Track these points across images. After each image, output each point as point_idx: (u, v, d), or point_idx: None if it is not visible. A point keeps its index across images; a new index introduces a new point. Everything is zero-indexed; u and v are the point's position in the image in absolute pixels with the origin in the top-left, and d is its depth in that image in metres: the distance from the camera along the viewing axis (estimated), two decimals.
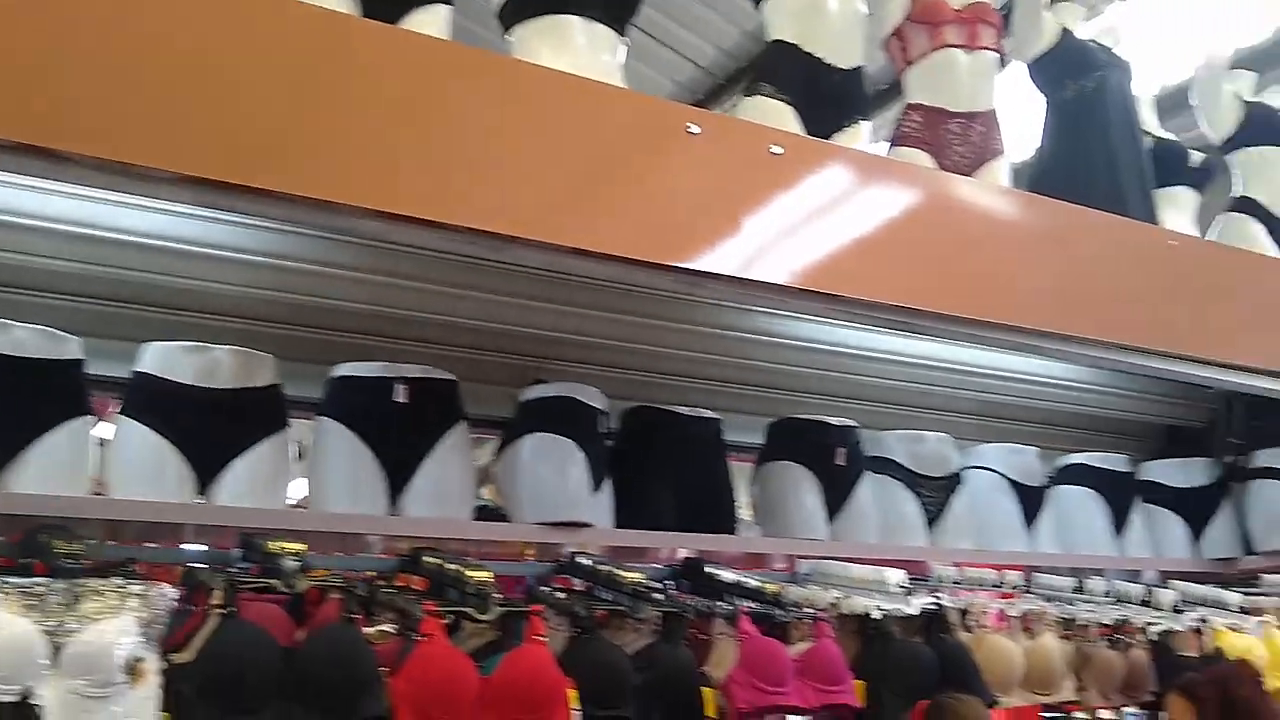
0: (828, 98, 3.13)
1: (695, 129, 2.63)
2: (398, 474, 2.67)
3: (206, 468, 2.49)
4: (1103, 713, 8.43)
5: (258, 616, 2.24)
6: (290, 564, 2.29)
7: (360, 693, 2.16)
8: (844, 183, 2.89)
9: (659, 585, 2.74)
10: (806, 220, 2.77)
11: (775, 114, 2.99)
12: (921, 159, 3.24)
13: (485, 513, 3.32)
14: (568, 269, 2.68)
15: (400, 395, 2.71)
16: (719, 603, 2.78)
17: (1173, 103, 5.38)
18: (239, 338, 2.67)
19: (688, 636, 2.69)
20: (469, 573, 2.42)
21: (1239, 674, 2.69)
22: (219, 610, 2.15)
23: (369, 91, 2.27)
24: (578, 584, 2.87)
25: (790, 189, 2.76)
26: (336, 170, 2.19)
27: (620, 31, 2.86)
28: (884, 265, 2.87)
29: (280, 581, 2.30)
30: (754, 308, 3.10)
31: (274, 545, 2.33)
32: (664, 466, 3.02)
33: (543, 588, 2.67)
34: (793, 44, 3.12)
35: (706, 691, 2.59)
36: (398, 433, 2.68)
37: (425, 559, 2.55)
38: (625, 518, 2.90)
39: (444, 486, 2.69)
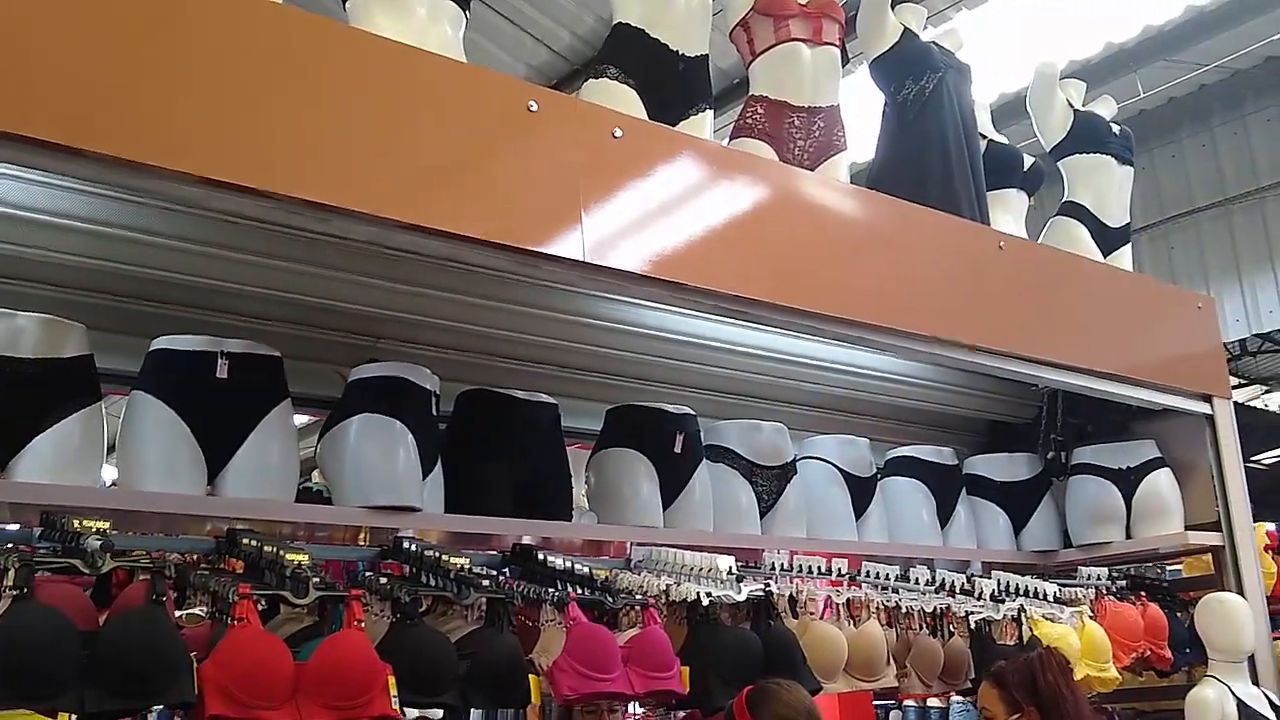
0: (672, 84, 3.14)
1: (535, 107, 2.59)
2: (216, 452, 2.56)
3: (7, 442, 2.35)
4: (932, 700, 8.69)
5: (55, 598, 2.11)
6: (93, 543, 2.16)
7: (165, 678, 2.06)
8: (685, 170, 2.89)
9: (486, 571, 2.69)
10: (646, 206, 2.77)
11: (619, 97, 2.98)
12: (763, 150, 3.27)
13: (312, 496, 3.23)
14: (400, 245, 2.62)
15: (221, 370, 2.60)
16: (548, 589, 2.74)
17: (1013, 109, 5.57)
18: (49, 306, 2.53)
19: (515, 623, 2.65)
20: (287, 555, 2.33)
21: (1044, 661, 2.78)
22: (11, 592, 2.03)
23: (193, 52, 2.17)
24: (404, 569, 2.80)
25: (631, 173, 2.75)
26: (157, 133, 2.09)
27: (463, 6, 2.81)
28: (722, 255, 2.88)
29: (81, 562, 2.17)
30: (593, 292, 3.06)
31: (77, 524, 2.20)
32: (499, 451, 2.97)
33: (366, 573, 2.59)
34: (638, 28, 3.11)
35: (532, 678, 2.56)
36: (218, 409, 2.57)
37: (243, 541, 2.45)
38: (457, 503, 2.85)
39: (265, 466, 2.59)
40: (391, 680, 2.27)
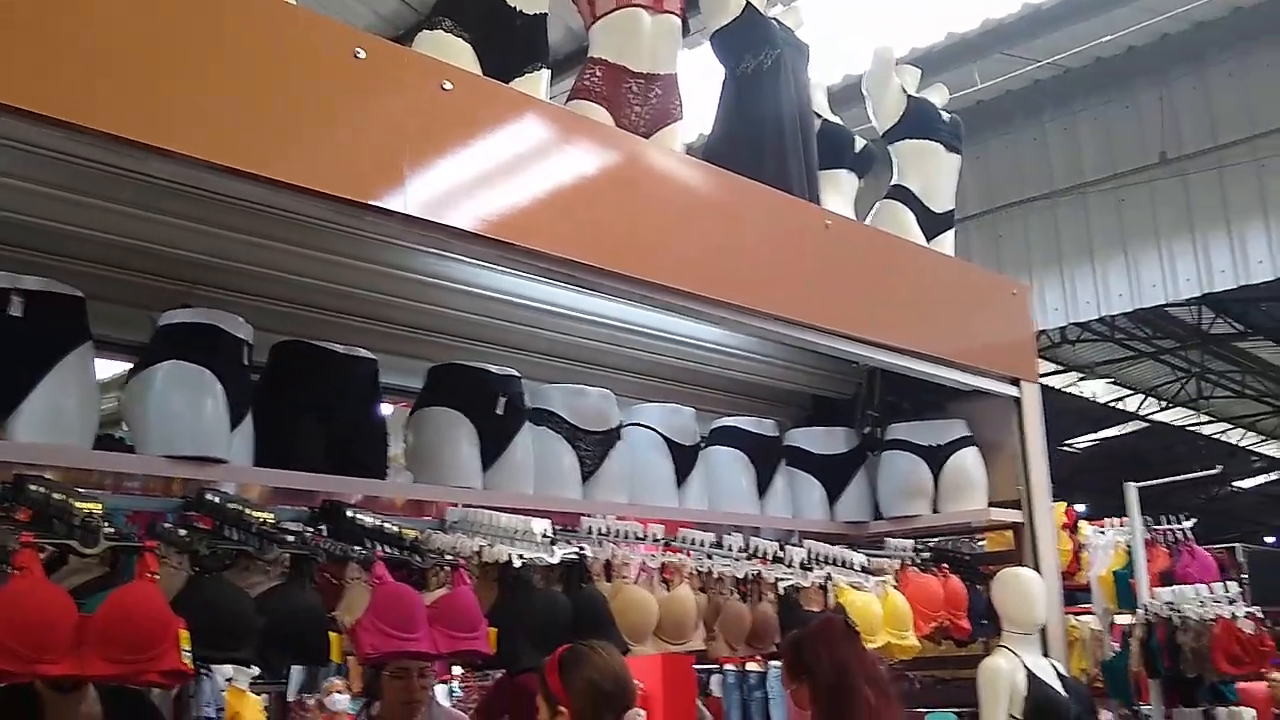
0: (509, 41, 3.10)
1: (362, 54, 2.53)
2: (8, 394, 2.44)
3: None
4: (751, 665, 8.86)
5: None
6: None
7: None
8: (516, 128, 2.86)
9: (292, 527, 2.63)
10: (474, 162, 2.73)
11: (452, 50, 2.93)
12: (599, 114, 3.26)
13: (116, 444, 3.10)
14: (219, 188, 2.54)
15: (15, 308, 2.47)
16: (355, 547, 2.70)
17: (853, 93, 5.68)
18: None
19: (319, 580, 2.61)
20: (76, 504, 2.24)
21: (813, 632, 2.88)
22: None
23: None
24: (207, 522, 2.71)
25: (459, 128, 2.71)
26: None
27: None
28: (551, 216, 2.87)
29: None
30: (418, 247, 3.02)
31: None
32: (313, 405, 2.90)
33: (164, 525, 2.50)
34: None
35: (333, 636, 2.53)
36: (11, 349, 2.44)
37: (30, 488, 2.34)
38: (267, 456, 2.78)
39: (61, 410, 2.48)
40: (184, 634, 2.21)
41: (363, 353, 3.05)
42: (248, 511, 2.50)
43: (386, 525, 2.79)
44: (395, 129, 2.58)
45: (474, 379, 3.25)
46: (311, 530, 2.74)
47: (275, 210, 2.71)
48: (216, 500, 2.55)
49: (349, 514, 2.80)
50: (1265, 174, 8.62)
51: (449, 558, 2.82)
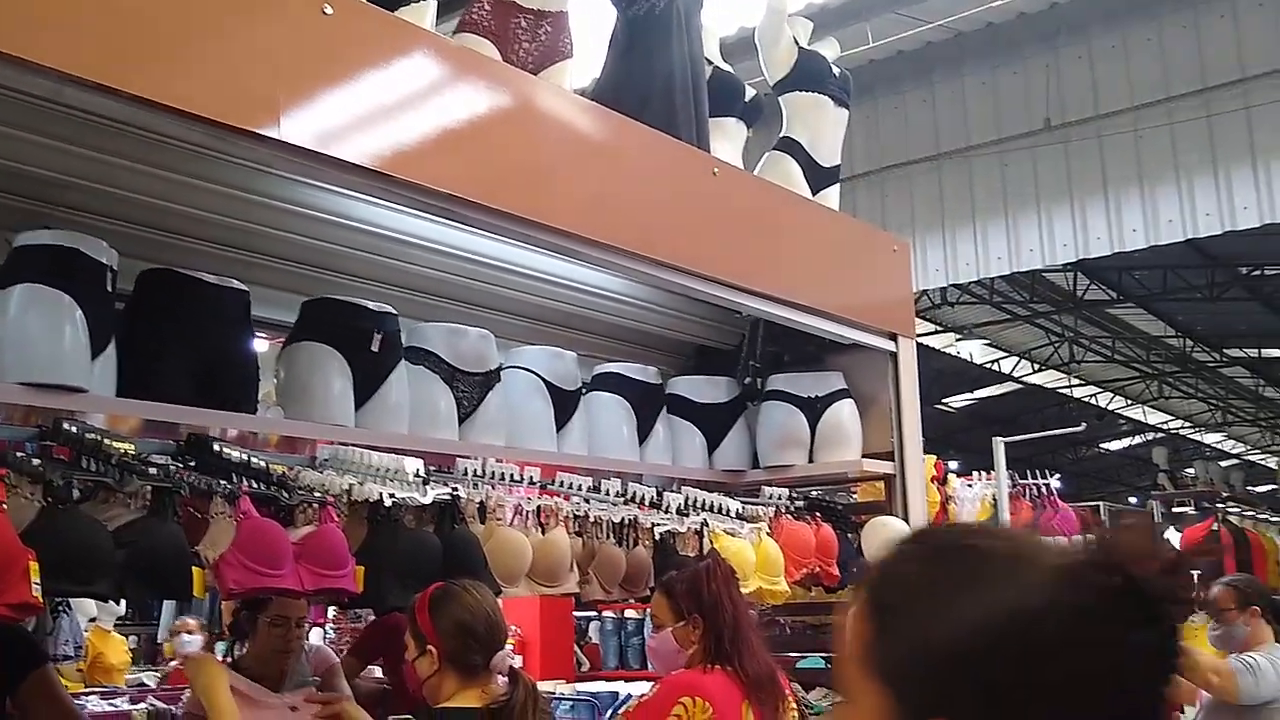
0: None
1: None
2: None
3: None
4: (629, 612, 8.92)
5: None
6: None
7: None
8: (399, 57, 2.79)
9: (155, 459, 2.56)
10: (354, 90, 2.65)
11: None
12: (485, 48, 3.19)
13: None
14: (82, 105, 2.42)
15: None
16: (221, 481, 2.64)
17: (746, 45, 5.67)
18: None
19: (182, 514, 2.54)
20: None
21: (710, 571, 2.89)
22: None
23: None
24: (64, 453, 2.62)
25: (339, 54, 2.64)
26: None
27: None
28: (432, 150, 2.81)
29: None
30: (293, 176, 2.93)
31: None
32: (180, 336, 2.81)
33: (16, 454, 2.41)
34: None
35: (195, 571, 2.47)
36: None
37: None
38: (131, 386, 2.68)
39: None
40: (33, 566, 2.13)
41: (234, 284, 2.96)
42: (107, 443, 2.42)
43: (254, 460, 2.73)
44: (272, 51, 2.49)
45: (349, 314, 3.18)
46: (176, 464, 2.67)
47: (145, 132, 2.60)
48: (74, 430, 2.47)
49: (215, 448, 2.73)
50: (1142, 144, 8.90)
51: (317, 495, 2.77)
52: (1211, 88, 8.64)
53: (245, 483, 2.69)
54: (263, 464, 2.74)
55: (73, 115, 2.57)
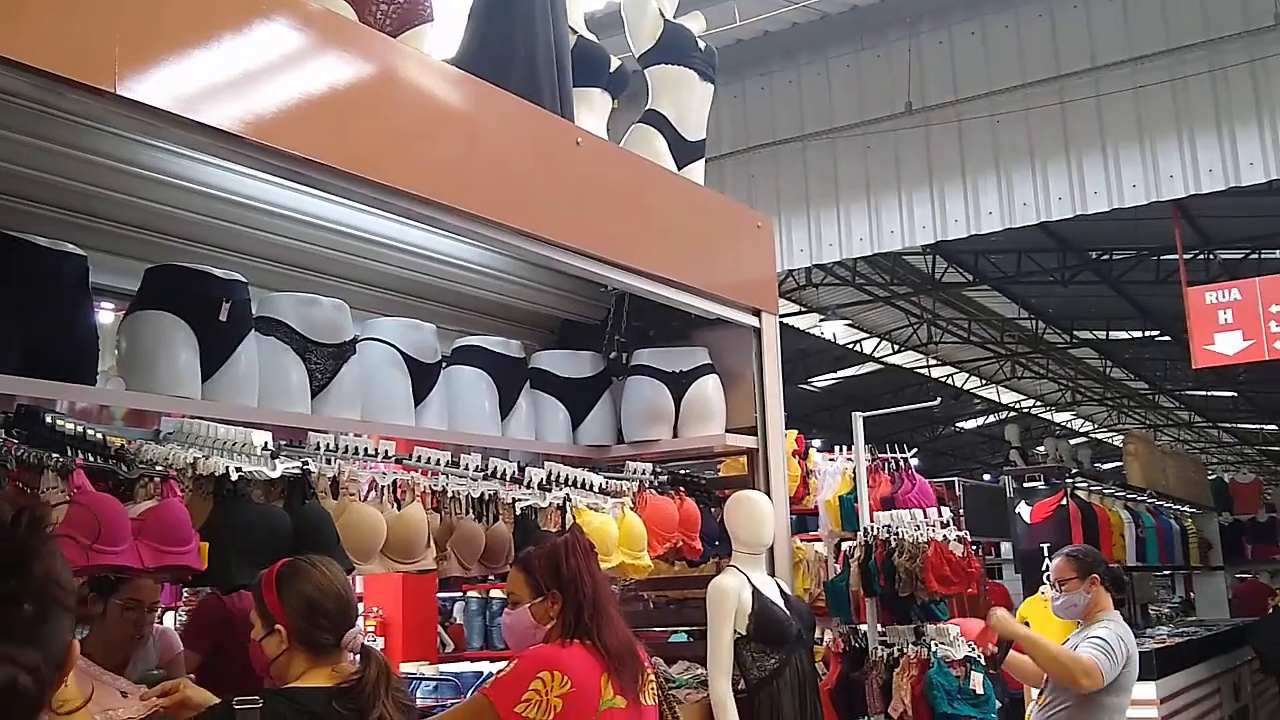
0: None
1: None
2: None
3: None
4: (495, 592, 8.83)
5: None
6: None
7: None
8: (249, 13, 2.66)
9: None
10: (199, 45, 2.52)
11: None
12: (341, 7, 3.08)
13: None
14: None
15: None
16: (54, 455, 2.49)
17: (613, 19, 5.62)
18: None
19: (10, 490, 2.39)
20: None
21: (569, 546, 2.85)
22: None
23: None
24: None
25: (183, 5, 2.50)
26: None
27: None
28: (282, 111, 2.69)
29: None
30: (134, 136, 2.78)
31: None
32: (11, 303, 2.65)
33: None
34: None
35: None
36: None
37: None
38: None
39: None
40: None
41: (70, 248, 2.81)
42: None
43: (90, 432, 2.59)
44: (112, 1, 2.35)
45: (195, 282, 3.05)
46: (4, 437, 2.51)
47: None
48: None
49: (47, 419, 2.58)
50: (999, 129, 9.14)
51: (159, 469, 2.64)
52: (1064, 75, 8.92)
53: (81, 456, 2.54)
54: (99, 435, 2.59)
55: None
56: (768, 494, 4.28)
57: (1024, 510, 8.54)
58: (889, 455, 5.55)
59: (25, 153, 2.86)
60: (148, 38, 2.41)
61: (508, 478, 3.69)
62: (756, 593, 3.96)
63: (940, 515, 4.81)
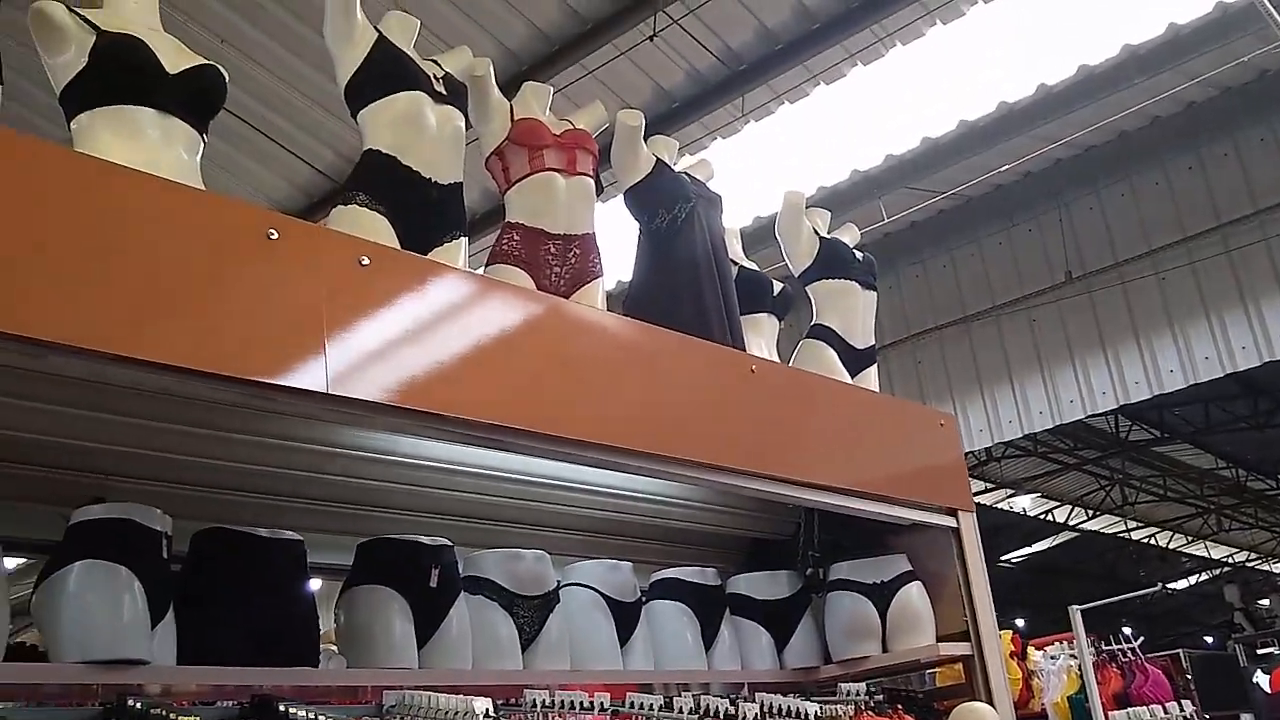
0: (425, 212, 3.09)
1: (275, 234, 2.50)
2: None
3: None
4: None
5: None
6: None
7: None
8: (436, 297, 2.84)
9: None
10: (395, 334, 2.69)
11: (368, 224, 2.91)
12: (519, 277, 3.25)
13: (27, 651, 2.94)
14: (122, 380, 2.45)
15: None
16: None
17: (765, 234, 5.79)
18: None
19: None
20: None
21: None
22: None
23: None
24: None
25: (378, 301, 2.68)
26: None
27: (200, 129, 2.70)
28: (476, 382, 2.82)
29: None
30: (339, 422, 2.95)
31: None
32: (237, 594, 2.79)
33: None
34: (389, 155, 3.07)
35: None
36: None
37: None
38: (191, 651, 2.64)
39: None
40: None
41: (288, 535, 2.95)
42: (171, 717, 2.36)
43: (320, 718, 2.66)
44: (312, 306, 2.53)
45: (405, 552, 3.15)
46: None
47: (189, 397, 2.63)
48: (139, 706, 2.42)
49: (280, 708, 2.66)
50: (1166, 286, 8.92)
51: None
52: (1227, 223, 8.71)
53: None
54: None
55: (114, 387, 2.61)
56: (990, 703, 4.08)
57: (1261, 679, 7.93)
58: (1115, 647, 5.25)
59: (240, 449, 3.06)
60: (351, 334, 2.58)
61: (721, 715, 3.61)
62: None
63: (1181, 709, 4.49)
